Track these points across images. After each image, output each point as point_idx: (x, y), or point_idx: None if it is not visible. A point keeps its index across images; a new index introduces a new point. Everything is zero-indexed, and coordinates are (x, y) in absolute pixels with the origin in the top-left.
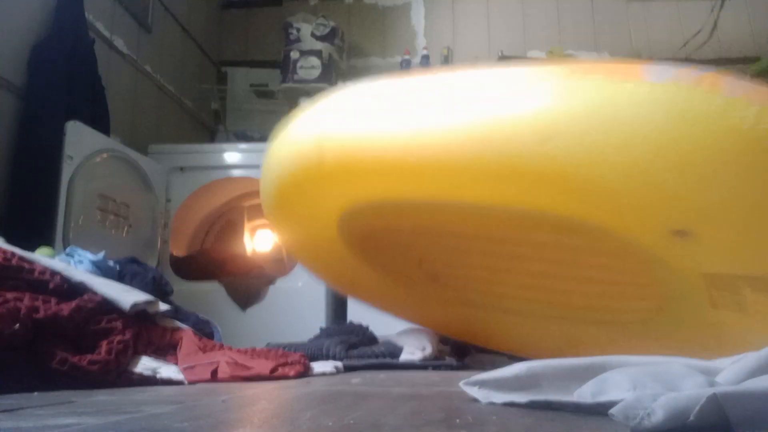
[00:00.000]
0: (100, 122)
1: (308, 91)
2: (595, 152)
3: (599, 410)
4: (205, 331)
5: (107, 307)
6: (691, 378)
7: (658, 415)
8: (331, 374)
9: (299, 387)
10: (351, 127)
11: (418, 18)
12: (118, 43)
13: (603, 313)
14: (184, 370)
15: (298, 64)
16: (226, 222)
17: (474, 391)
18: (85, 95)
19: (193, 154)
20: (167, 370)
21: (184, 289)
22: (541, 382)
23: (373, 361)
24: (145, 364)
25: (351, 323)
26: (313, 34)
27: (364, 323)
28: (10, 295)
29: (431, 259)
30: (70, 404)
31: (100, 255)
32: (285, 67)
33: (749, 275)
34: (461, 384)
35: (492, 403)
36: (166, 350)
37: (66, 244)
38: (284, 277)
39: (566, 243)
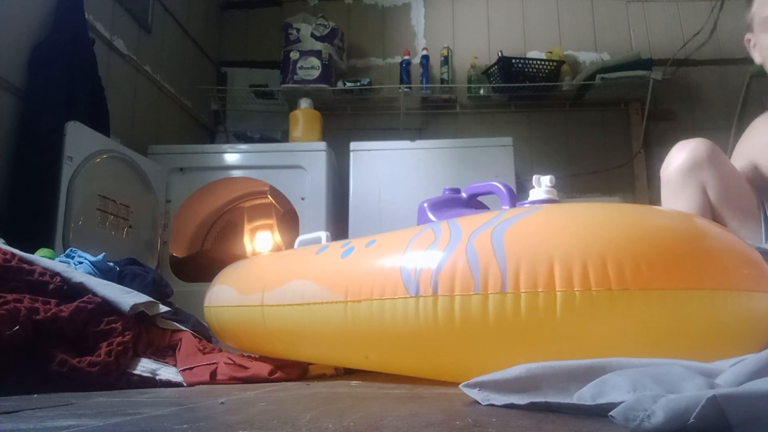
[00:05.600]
0: (100, 123)
1: (308, 91)
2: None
3: (599, 412)
4: (204, 333)
5: (107, 308)
6: (692, 380)
7: (658, 417)
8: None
9: (298, 389)
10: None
11: (418, 18)
12: (118, 43)
13: None
14: (183, 371)
15: (298, 65)
16: (226, 223)
17: (474, 393)
18: (85, 96)
19: (193, 155)
20: (166, 372)
21: (184, 291)
22: (541, 383)
23: None
24: (145, 366)
25: None
26: (312, 35)
27: None
28: (10, 297)
29: None
30: (70, 406)
31: (100, 256)
32: (285, 67)
33: None
34: (461, 386)
35: (492, 405)
36: (165, 352)
37: (66, 245)
38: None
39: None
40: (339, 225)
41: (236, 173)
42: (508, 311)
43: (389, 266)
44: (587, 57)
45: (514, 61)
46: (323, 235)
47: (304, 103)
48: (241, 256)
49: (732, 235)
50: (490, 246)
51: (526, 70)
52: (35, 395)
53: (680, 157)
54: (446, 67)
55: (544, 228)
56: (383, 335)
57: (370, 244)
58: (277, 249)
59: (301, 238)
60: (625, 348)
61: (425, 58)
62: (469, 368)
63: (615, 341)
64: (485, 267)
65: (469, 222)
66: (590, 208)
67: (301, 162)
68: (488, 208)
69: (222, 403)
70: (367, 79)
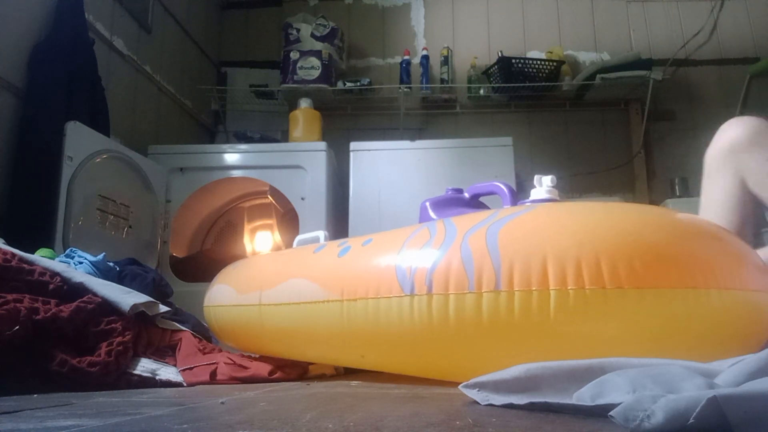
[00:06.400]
0: (100, 123)
1: (308, 91)
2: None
3: (599, 412)
4: (204, 333)
5: (107, 308)
6: (691, 380)
7: (657, 417)
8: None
9: (298, 389)
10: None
11: (418, 18)
12: (118, 43)
13: None
14: (183, 371)
15: (298, 65)
16: (226, 223)
17: (473, 393)
18: (85, 96)
19: (193, 155)
20: (166, 372)
21: (184, 291)
22: (540, 384)
23: None
24: (145, 366)
25: None
26: (312, 35)
27: None
28: (10, 297)
29: None
30: (70, 406)
31: (100, 256)
32: (285, 67)
33: None
34: (460, 386)
35: (491, 405)
36: (165, 352)
37: (66, 245)
38: None
39: None
40: (339, 225)
41: (236, 173)
42: (502, 310)
43: (384, 265)
44: (587, 57)
45: (514, 61)
46: (321, 234)
47: (304, 103)
48: (241, 256)
49: (729, 234)
50: (485, 245)
51: (526, 70)
52: (35, 395)
53: (718, 140)
54: (446, 67)
55: (539, 227)
56: (378, 334)
57: (366, 243)
58: (277, 249)
59: (299, 237)
60: (619, 346)
61: (425, 58)
62: (464, 367)
63: (609, 340)
64: (479, 266)
65: (465, 221)
66: (585, 207)
67: (301, 162)
68: (490, 209)
69: (222, 403)
70: (367, 79)
